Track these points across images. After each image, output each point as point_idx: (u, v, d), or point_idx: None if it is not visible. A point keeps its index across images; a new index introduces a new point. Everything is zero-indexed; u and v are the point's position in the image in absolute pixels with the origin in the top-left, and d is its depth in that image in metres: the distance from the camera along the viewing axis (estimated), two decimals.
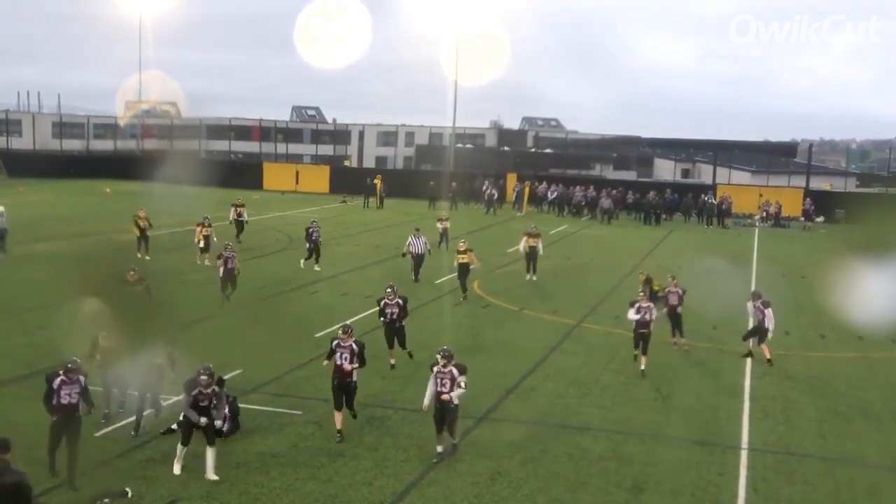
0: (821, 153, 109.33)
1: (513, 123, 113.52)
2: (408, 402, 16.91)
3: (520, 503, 12.84)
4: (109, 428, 14.81)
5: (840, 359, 21.53)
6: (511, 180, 61.84)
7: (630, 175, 72.90)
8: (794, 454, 15.04)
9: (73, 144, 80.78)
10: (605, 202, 52.63)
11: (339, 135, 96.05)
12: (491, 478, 13.51)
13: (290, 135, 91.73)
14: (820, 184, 64.27)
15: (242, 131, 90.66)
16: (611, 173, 78.80)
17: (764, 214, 53.16)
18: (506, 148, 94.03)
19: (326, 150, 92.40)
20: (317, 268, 30.72)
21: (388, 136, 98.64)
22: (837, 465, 14.78)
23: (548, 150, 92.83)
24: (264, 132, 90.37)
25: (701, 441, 15.47)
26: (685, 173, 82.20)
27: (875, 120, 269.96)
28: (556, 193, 56.73)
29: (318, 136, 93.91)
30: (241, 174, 68.32)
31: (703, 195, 55.18)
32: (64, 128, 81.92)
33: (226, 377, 17.48)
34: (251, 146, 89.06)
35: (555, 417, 16.51)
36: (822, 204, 54.14)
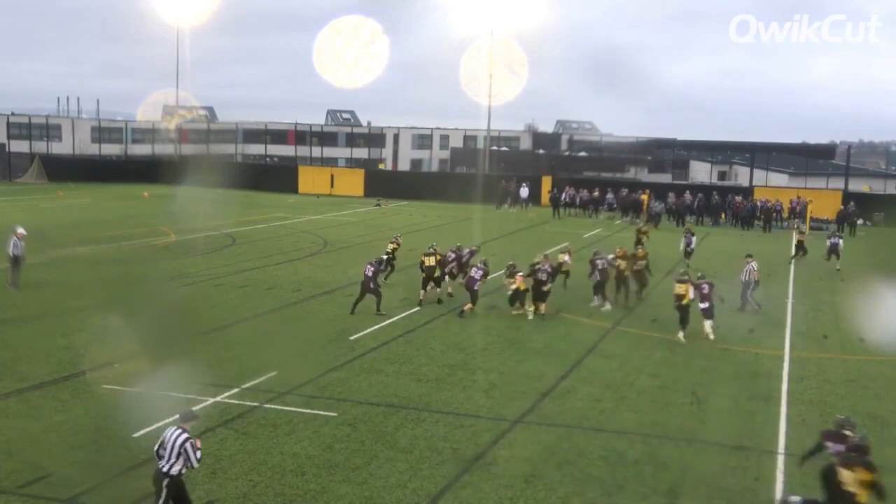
0: (860, 155, 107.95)
1: (547, 127, 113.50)
2: (442, 404, 16.92)
3: None
4: (146, 429, 14.94)
5: (879, 362, 21.22)
6: (546, 183, 61.80)
7: (665, 178, 72.43)
8: None
9: (111, 149, 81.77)
10: (657, 206, 52.23)
11: (374, 138, 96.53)
12: (526, 481, 13.47)
13: (325, 138, 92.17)
14: (859, 186, 63.40)
15: (278, 135, 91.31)
16: (646, 176, 78.38)
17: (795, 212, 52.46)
18: (540, 151, 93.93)
19: (361, 153, 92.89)
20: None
21: (422, 140, 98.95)
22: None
23: (582, 153, 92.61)
24: (299, 136, 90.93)
25: (737, 446, 15.32)
26: (722, 175, 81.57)
27: None
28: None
29: (352, 140, 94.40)
30: (276, 178, 69.05)
31: (736, 196, 54.61)
32: (102, 132, 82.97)
33: (261, 379, 17.69)
34: (286, 150, 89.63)
35: (590, 421, 16.44)
36: (859, 206, 53.20)
